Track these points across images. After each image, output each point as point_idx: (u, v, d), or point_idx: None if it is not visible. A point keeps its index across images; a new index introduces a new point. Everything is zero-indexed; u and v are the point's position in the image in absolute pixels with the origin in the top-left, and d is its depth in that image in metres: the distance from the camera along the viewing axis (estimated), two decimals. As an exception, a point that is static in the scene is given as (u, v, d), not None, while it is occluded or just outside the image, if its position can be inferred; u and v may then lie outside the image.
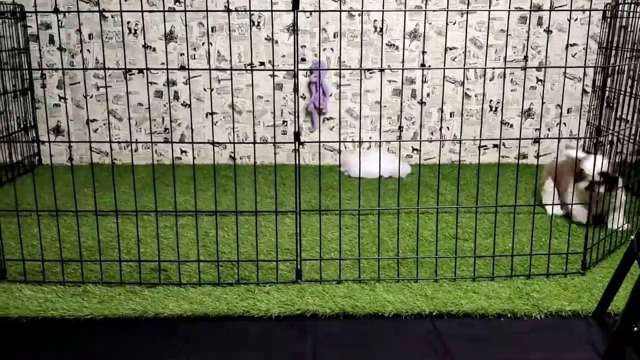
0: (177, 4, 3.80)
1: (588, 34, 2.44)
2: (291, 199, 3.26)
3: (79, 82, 3.93)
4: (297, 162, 2.17)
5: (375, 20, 3.87)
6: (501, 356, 1.83)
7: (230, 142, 2.55)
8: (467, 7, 2.25)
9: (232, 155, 4.03)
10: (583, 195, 2.68)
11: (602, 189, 2.61)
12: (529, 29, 2.37)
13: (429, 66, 3.21)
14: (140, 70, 3.86)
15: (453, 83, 3.98)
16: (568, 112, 4.06)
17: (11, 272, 2.30)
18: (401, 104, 2.21)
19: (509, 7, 2.23)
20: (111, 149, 2.33)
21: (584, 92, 3.97)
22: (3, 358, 1.82)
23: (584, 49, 3.92)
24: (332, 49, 3.89)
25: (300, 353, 1.82)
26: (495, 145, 4.08)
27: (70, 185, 3.27)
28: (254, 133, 2.11)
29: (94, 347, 1.88)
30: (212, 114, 2.56)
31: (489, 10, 2.10)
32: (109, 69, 1.88)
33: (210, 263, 2.37)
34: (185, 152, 4.07)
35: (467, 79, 3.92)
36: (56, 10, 3.65)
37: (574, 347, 1.87)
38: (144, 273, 2.29)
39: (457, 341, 1.89)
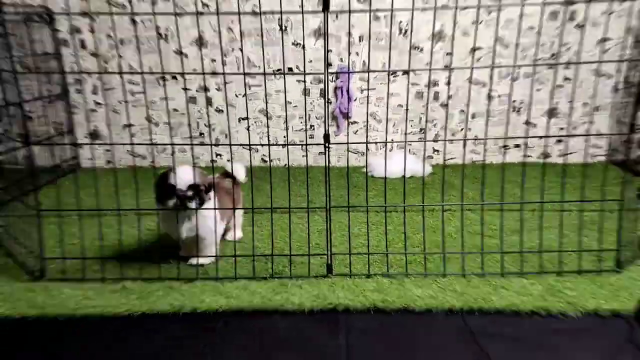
0: (205, 7, 3.87)
1: (627, 26, 2.38)
2: (319, 197, 3.33)
3: (114, 88, 4.05)
4: (327, 162, 2.23)
5: (400, 22, 3.90)
6: (540, 356, 1.75)
7: (265, 145, 2.63)
8: (500, 2, 2.23)
9: (264, 158, 4.12)
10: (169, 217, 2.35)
11: (192, 204, 2.29)
12: (563, 23, 2.36)
13: (454, 67, 3.23)
14: (174, 76, 3.97)
15: (476, 84, 3.99)
16: (596, 110, 4.02)
17: (49, 271, 2.37)
18: (427, 105, 2.26)
19: (543, 0, 2.18)
20: (153, 151, 2.42)
21: (616, 89, 3.92)
22: (43, 355, 1.84)
23: (616, 44, 3.83)
24: (357, 53, 3.95)
25: (335, 347, 1.84)
26: (517, 145, 4.08)
27: (108, 187, 3.40)
28: (285, 137, 2.18)
29: (131, 342, 1.90)
30: (246, 119, 2.64)
31: (522, 5, 2.08)
32: (145, 73, 1.96)
33: (246, 258, 2.44)
34: (220, 155, 4.17)
35: (491, 79, 3.93)
36: (85, 13, 3.62)
37: (618, 348, 1.78)
38: (182, 269, 2.38)
39: (492, 340, 1.84)
